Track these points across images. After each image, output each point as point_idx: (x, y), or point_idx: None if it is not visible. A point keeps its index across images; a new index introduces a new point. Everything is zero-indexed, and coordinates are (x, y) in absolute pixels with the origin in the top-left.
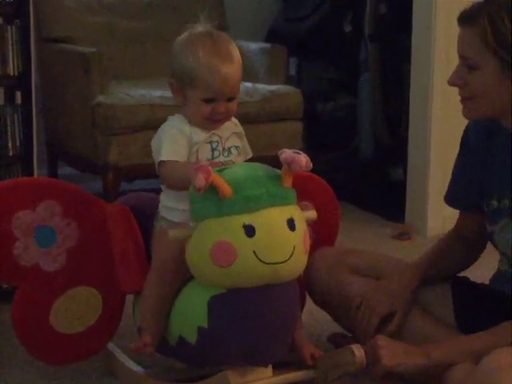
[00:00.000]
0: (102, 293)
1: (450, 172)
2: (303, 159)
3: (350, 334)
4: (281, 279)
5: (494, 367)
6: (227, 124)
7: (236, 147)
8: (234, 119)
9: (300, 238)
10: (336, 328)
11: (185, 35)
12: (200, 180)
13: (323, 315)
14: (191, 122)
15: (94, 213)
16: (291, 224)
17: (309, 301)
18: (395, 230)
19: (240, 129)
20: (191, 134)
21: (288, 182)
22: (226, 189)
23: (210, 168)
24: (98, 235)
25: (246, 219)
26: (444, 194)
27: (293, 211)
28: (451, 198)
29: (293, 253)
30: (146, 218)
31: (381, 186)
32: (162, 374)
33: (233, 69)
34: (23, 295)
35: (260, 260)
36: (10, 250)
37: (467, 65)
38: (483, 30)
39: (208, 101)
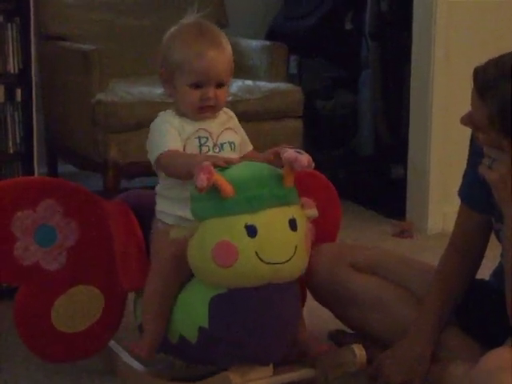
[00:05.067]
0: (104, 291)
1: (450, 170)
2: (305, 159)
3: (350, 331)
4: (282, 279)
5: (493, 367)
6: (221, 119)
7: (230, 143)
8: (229, 112)
9: (302, 238)
10: (337, 325)
11: (174, 27)
12: (202, 180)
13: (324, 312)
14: (181, 114)
15: (94, 211)
16: (293, 224)
17: (309, 298)
18: (396, 228)
19: (235, 122)
20: (182, 126)
21: (290, 182)
22: (228, 189)
23: (212, 168)
24: (98, 233)
25: (248, 219)
26: (443, 191)
27: (295, 211)
28: (464, 194)
29: (294, 253)
30: (145, 215)
31: (381, 184)
32: (162, 372)
33: (219, 53)
34: (25, 295)
35: (262, 260)
36: (10, 251)
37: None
38: (491, 114)
39: (195, 86)
